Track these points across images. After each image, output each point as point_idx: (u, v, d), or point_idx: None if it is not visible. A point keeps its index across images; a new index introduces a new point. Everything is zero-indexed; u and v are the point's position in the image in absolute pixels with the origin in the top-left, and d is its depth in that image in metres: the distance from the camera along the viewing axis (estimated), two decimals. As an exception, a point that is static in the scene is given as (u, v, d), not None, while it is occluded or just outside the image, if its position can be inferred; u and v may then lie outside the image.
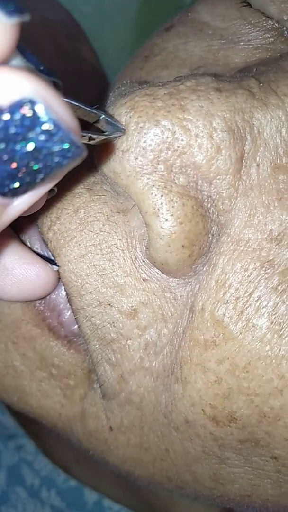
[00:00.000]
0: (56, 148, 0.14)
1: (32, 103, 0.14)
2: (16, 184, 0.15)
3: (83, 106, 0.18)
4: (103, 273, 0.20)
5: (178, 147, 0.18)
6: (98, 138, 0.19)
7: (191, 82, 0.19)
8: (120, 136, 0.19)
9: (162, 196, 0.18)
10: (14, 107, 0.13)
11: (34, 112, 0.14)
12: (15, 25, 0.13)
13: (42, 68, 0.17)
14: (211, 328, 0.19)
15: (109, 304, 0.20)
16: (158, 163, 0.18)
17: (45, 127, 0.14)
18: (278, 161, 0.19)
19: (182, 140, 0.18)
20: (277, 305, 0.19)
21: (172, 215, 0.18)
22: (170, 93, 0.18)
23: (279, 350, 0.19)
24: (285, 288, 0.19)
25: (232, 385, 0.19)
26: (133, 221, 0.20)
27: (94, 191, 0.21)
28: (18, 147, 0.14)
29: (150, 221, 0.19)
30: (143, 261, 0.20)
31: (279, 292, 0.19)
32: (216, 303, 0.19)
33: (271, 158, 0.19)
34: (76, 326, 0.22)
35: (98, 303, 0.21)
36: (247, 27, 0.23)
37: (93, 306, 0.21)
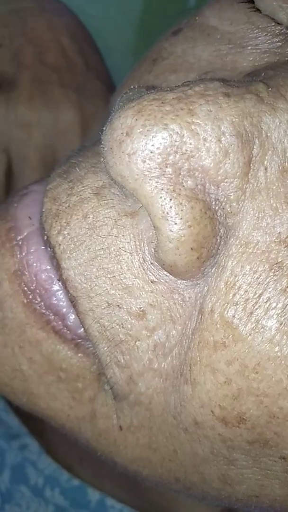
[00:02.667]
0: None
1: None
2: None
3: None
4: (112, 276, 0.21)
5: (186, 150, 0.18)
6: None
7: (200, 87, 0.19)
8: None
9: (171, 199, 0.18)
10: None
11: None
12: None
13: None
14: (220, 330, 0.19)
15: (118, 306, 0.21)
16: (166, 166, 0.18)
17: None
18: (286, 165, 0.19)
19: (191, 143, 0.18)
20: (286, 306, 0.19)
21: (181, 218, 0.18)
22: (178, 97, 0.18)
23: None
24: None
25: (242, 386, 0.19)
26: (141, 223, 0.20)
27: (102, 195, 0.21)
28: None
29: (159, 225, 0.19)
30: (151, 263, 0.20)
31: None
32: (226, 304, 0.19)
33: (279, 161, 0.19)
34: (82, 330, 0.22)
35: (107, 304, 0.21)
36: (255, 31, 0.23)
37: (102, 307, 0.21)
